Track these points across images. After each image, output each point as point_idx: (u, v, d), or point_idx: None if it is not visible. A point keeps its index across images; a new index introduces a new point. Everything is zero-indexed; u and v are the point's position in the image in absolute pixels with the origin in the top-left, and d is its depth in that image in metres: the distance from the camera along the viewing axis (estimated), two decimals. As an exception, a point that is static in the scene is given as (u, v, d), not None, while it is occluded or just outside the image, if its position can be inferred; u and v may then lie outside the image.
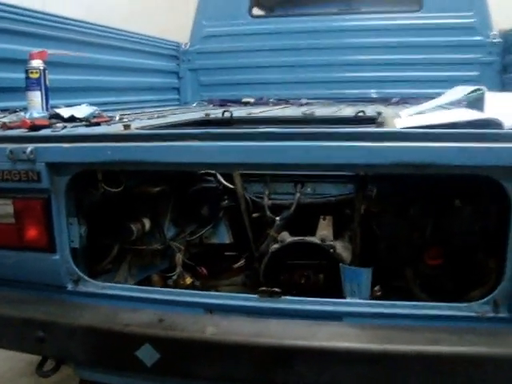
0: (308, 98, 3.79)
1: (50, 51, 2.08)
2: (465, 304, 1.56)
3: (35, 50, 2.02)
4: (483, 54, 3.59)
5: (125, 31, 3.40)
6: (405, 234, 2.18)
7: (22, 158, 1.65)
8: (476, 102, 1.77)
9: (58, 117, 1.90)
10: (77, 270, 1.76)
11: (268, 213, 2.33)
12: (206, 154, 1.53)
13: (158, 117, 2.39)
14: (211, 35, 3.97)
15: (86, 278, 1.77)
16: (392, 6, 3.78)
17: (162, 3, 5.88)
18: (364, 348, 1.45)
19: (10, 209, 1.72)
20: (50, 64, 2.10)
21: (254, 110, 2.91)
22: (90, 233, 1.83)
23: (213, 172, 2.30)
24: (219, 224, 2.45)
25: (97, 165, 1.65)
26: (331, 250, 2.11)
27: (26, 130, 1.77)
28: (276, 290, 1.65)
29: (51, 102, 2.08)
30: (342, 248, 2.15)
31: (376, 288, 1.99)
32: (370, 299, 1.98)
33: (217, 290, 2.29)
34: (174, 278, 2.32)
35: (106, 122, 1.94)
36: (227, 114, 2.40)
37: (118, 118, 2.03)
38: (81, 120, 1.90)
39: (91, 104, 2.20)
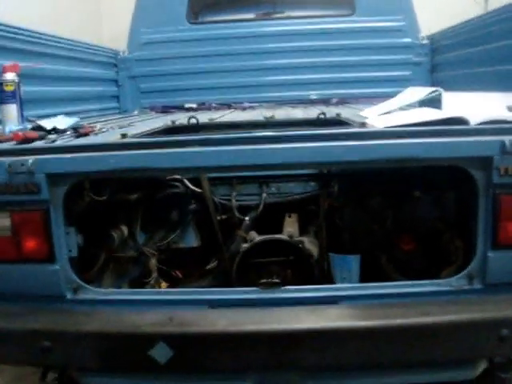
0: (249, 102, 3.93)
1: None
2: (444, 280, 1.78)
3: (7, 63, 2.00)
4: (413, 55, 3.91)
5: (58, 37, 3.24)
6: (367, 225, 2.39)
7: (21, 171, 1.65)
8: (433, 103, 2.01)
9: (41, 129, 1.90)
10: (76, 278, 1.79)
11: (236, 214, 2.43)
12: (212, 159, 1.63)
13: (128, 126, 2.42)
14: (150, 42, 3.99)
15: (86, 285, 1.80)
16: (327, 10, 4.01)
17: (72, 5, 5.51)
18: (369, 325, 1.62)
19: (6, 222, 1.71)
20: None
21: (214, 115, 3.01)
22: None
23: (179, 177, 2.37)
24: (187, 228, 2.52)
25: (97, 174, 1.69)
26: (300, 246, 2.24)
27: (15, 143, 1.77)
28: (276, 280, 1.77)
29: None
30: (309, 243, 2.30)
31: None
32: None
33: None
34: (152, 282, 2.37)
35: (92, 131, 1.96)
36: (193, 121, 2.48)
37: (98, 128, 2.05)
38: (64, 131, 1.92)
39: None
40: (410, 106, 2.23)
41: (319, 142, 1.66)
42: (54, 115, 2.42)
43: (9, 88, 1.96)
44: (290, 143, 1.65)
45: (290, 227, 2.40)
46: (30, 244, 1.73)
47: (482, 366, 1.81)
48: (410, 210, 2.19)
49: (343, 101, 3.84)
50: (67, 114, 3.05)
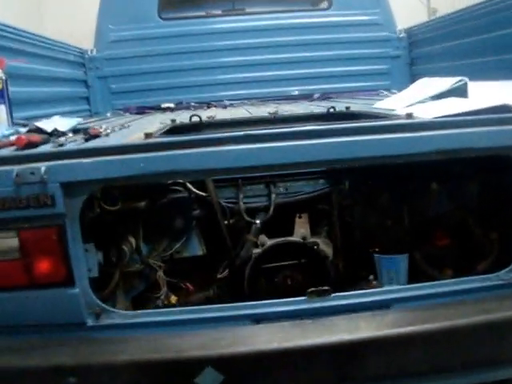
0: (229, 100, 3.75)
1: None
2: (493, 274, 1.68)
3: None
4: (391, 49, 3.87)
5: (19, 29, 2.85)
6: (383, 221, 2.28)
7: (31, 181, 1.41)
8: (459, 92, 1.91)
9: (41, 131, 1.65)
10: (98, 301, 1.56)
11: (246, 217, 2.27)
12: (254, 157, 1.45)
13: (123, 127, 2.19)
14: (119, 40, 3.74)
15: (111, 308, 1.57)
16: (304, 5, 3.91)
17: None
18: (434, 327, 1.49)
19: (12, 242, 1.46)
20: None
21: (209, 113, 2.81)
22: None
23: (182, 181, 2.18)
24: (190, 236, 2.33)
25: (122, 180, 1.47)
26: (315, 247, 2.12)
27: (18, 149, 1.52)
28: (325, 287, 1.61)
29: None
30: (323, 244, 2.18)
31: (371, 277, 2.06)
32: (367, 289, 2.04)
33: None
34: (162, 297, 2.16)
35: (100, 133, 1.73)
36: (195, 119, 2.28)
37: (104, 129, 1.82)
38: (67, 133, 1.68)
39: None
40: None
41: (366, 136, 1.52)
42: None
43: (-5, 86, 1.69)
44: (335, 137, 1.49)
45: (302, 228, 2.27)
46: (44, 266, 1.48)
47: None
48: (433, 204, 2.08)
49: (326, 96, 3.74)
50: (31, 118, 2.74)
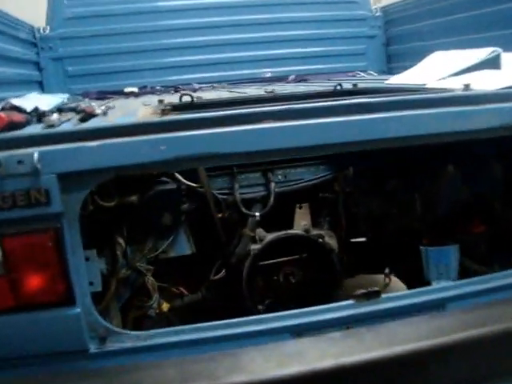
0: (198, 83, 3.44)
1: None
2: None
3: None
4: (367, 28, 3.68)
5: None
6: (394, 210, 2.11)
7: (19, 172, 1.08)
8: (493, 63, 1.73)
9: (19, 111, 1.30)
10: (104, 322, 1.25)
11: (243, 209, 2.02)
12: (302, 136, 1.18)
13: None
14: (76, 17, 3.32)
15: (119, 329, 1.27)
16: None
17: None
18: (499, 329, 1.29)
19: (-7, 254, 1.12)
20: None
21: (200, 94, 2.48)
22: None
23: (169, 172, 1.89)
24: (178, 233, 2.05)
25: (136, 168, 1.16)
26: (320, 240, 1.93)
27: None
28: (376, 289, 1.38)
29: None
30: (327, 236, 1.98)
31: (386, 271, 1.87)
32: (384, 285, 1.86)
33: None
34: (154, 306, 1.87)
35: (94, 111, 1.39)
36: (187, 99, 1.98)
37: (101, 107, 1.48)
38: (48, 113, 1.33)
39: None
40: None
41: (412, 111, 1.28)
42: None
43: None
44: (395, 111, 1.25)
45: (303, 220, 2.05)
46: (35, 282, 1.16)
47: None
48: (452, 189, 1.91)
49: (301, 78, 3.50)
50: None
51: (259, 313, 1.79)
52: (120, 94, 3.31)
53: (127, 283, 1.83)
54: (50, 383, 1.18)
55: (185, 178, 1.89)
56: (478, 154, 1.79)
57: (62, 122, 1.23)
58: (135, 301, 1.84)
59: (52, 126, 1.18)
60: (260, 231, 1.96)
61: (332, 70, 3.63)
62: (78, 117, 1.28)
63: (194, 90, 3.32)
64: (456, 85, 1.54)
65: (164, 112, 1.22)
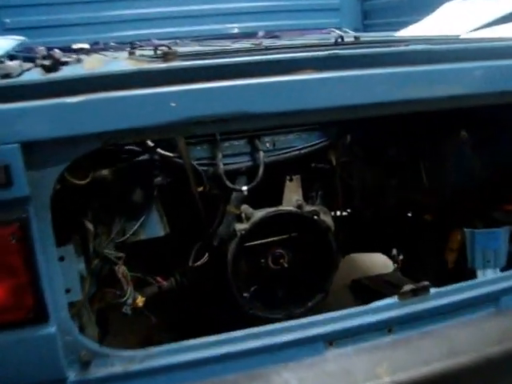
0: (158, 39, 3.05)
1: None
2: None
3: None
4: None
5: None
6: (395, 181, 1.89)
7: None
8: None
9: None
10: (87, 341, 0.93)
11: (228, 183, 1.72)
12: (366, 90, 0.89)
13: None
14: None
15: (107, 350, 0.95)
16: None
17: None
18: None
19: None
20: None
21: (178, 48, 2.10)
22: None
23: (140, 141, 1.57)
24: (150, 211, 1.73)
25: (134, 134, 0.83)
26: (315, 218, 1.68)
27: None
28: (425, 283, 1.12)
29: None
30: (322, 212, 1.74)
31: (394, 252, 1.66)
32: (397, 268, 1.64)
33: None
34: (129, 302, 1.56)
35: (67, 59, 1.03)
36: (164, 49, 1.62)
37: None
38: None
39: None
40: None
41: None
42: None
43: None
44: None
45: (294, 194, 1.78)
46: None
47: None
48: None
49: (271, 34, 3.18)
50: None
51: (246, 300, 1.54)
52: (67, 51, 2.87)
53: (93, 275, 1.50)
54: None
55: (157, 146, 1.57)
56: (501, 120, 1.56)
57: (24, 72, 0.87)
58: (100, 292, 1.52)
59: (8, 75, 0.82)
60: (246, 208, 1.67)
61: (304, 27, 3.33)
62: (44, 64, 0.92)
63: (155, 47, 2.92)
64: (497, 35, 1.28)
65: (168, 57, 0.88)
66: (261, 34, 3.17)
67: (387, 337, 1.06)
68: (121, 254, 1.52)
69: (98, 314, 1.42)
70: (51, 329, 0.87)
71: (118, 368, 0.94)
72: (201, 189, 1.66)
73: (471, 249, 1.32)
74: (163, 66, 0.83)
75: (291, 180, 1.80)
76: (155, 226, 1.68)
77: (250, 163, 1.70)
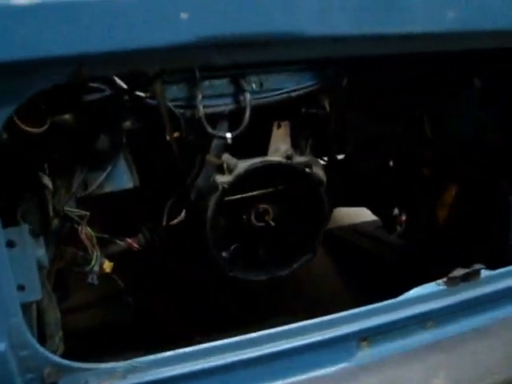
0: None
1: None
2: None
3: None
4: None
5: None
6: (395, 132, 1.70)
7: None
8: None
9: None
10: (52, 355, 0.67)
11: (208, 128, 1.47)
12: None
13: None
14: None
15: (79, 364, 0.69)
16: None
17: None
18: None
19: None
20: None
21: None
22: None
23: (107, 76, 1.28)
24: (117, 160, 1.48)
25: (126, 60, 0.54)
26: (307, 170, 1.48)
27: None
28: (478, 267, 0.91)
29: None
30: (314, 164, 1.55)
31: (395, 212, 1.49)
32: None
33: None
34: (96, 269, 1.33)
35: None
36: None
37: None
38: None
39: None
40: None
41: None
42: None
43: None
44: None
45: (282, 142, 1.56)
46: None
47: None
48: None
49: None
50: None
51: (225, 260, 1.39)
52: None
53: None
54: None
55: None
56: None
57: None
58: (59, 250, 1.28)
59: None
60: (229, 158, 1.42)
61: None
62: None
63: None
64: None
65: None
66: None
67: (432, 333, 0.85)
68: (84, 213, 1.26)
69: (57, 276, 1.20)
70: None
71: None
72: (177, 135, 1.42)
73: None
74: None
75: (279, 127, 1.56)
76: (123, 177, 1.42)
77: (233, 106, 1.45)
